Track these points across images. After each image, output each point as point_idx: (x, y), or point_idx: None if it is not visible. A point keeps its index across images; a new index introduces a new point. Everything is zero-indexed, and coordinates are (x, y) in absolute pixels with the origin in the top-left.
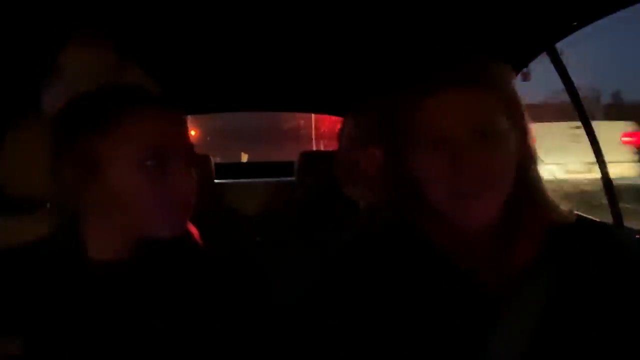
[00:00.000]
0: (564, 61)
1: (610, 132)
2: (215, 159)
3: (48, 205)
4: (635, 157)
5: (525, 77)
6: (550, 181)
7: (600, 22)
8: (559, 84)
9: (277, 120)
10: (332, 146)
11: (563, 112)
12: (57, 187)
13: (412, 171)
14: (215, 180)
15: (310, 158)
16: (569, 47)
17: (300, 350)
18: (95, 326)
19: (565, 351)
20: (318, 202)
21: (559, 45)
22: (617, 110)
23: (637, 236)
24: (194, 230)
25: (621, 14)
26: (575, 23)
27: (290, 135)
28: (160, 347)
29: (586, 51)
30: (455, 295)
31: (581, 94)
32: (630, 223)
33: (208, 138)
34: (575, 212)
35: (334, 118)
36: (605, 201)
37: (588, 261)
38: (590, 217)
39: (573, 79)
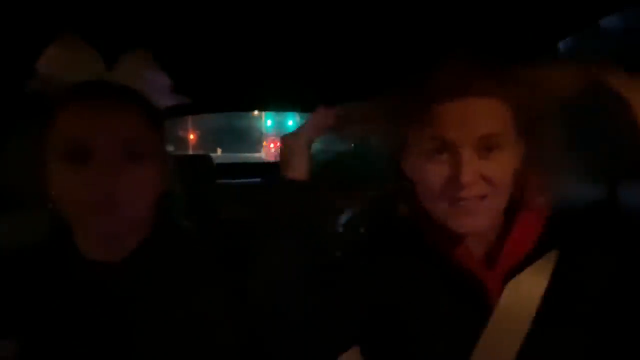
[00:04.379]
0: None
1: None
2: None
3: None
4: None
5: None
6: None
7: None
8: None
9: (236, 120)
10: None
11: None
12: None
13: (409, 174)
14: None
15: None
16: None
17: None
18: (88, 326)
19: (563, 345)
20: None
21: None
22: None
23: None
24: (192, 229)
25: None
26: (575, 23)
27: (243, 133)
28: (155, 345)
29: None
30: (452, 292)
31: None
32: None
33: (210, 138)
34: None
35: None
36: None
37: (585, 254)
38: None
39: None
